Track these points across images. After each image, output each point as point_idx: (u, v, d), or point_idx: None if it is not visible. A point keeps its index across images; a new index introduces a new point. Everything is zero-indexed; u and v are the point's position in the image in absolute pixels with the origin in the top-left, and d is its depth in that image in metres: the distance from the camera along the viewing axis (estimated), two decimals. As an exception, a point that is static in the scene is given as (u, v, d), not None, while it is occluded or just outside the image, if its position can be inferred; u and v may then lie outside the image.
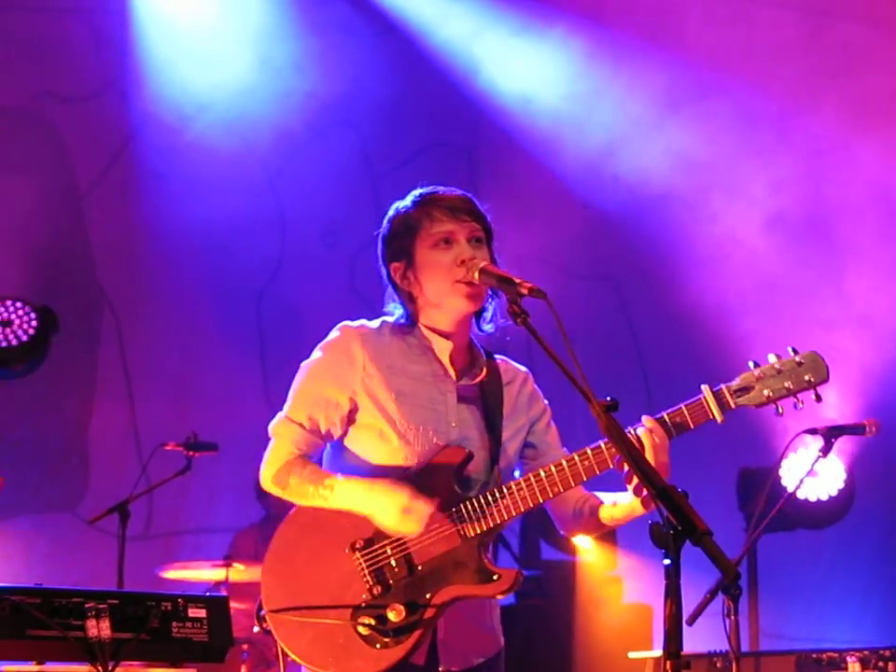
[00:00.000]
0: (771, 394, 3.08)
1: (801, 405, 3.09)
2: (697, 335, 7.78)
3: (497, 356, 3.44)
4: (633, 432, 3.09)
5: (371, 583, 3.18)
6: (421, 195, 3.32)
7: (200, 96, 8.19)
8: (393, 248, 3.32)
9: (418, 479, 3.19)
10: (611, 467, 3.11)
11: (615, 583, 8.01)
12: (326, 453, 3.38)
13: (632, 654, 5.59)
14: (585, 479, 3.15)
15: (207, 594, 3.77)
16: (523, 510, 3.16)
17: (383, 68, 8.38)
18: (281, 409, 3.33)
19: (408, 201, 3.33)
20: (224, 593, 6.13)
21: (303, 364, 3.34)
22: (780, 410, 3.10)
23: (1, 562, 7.55)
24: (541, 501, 3.17)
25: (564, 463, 3.14)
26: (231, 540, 7.62)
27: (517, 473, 3.33)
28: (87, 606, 3.32)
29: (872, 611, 7.43)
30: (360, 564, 3.20)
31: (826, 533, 7.72)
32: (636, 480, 3.09)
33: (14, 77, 7.93)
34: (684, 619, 2.42)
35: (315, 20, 8.31)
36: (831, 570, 7.72)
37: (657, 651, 5.25)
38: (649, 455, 3.04)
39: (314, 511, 3.25)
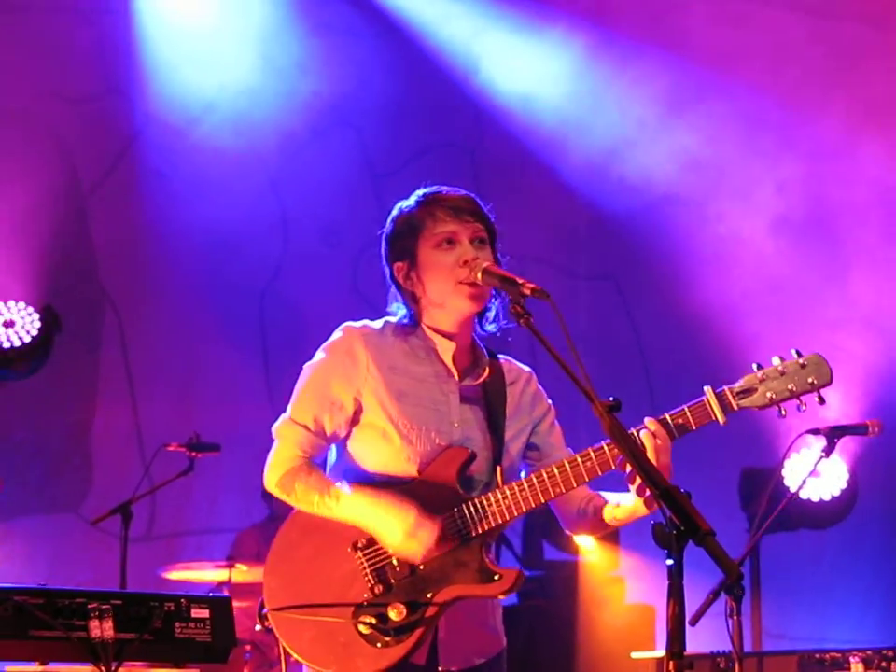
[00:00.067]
0: (774, 396, 3.06)
1: (804, 407, 3.07)
2: (701, 336, 7.77)
3: (500, 356, 3.42)
4: (635, 434, 3.09)
5: (372, 582, 3.18)
6: (424, 195, 3.31)
7: (202, 97, 8.20)
8: (396, 248, 3.31)
9: (421, 482, 3.19)
10: (614, 467, 3.10)
11: (618, 584, 8.01)
12: (328, 452, 3.38)
13: (634, 655, 5.60)
14: (587, 479, 3.14)
15: (210, 594, 3.76)
16: (525, 510, 3.16)
17: (385, 69, 8.39)
18: (284, 410, 3.32)
19: (411, 200, 3.32)
20: (227, 593, 6.13)
21: (307, 365, 3.33)
22: (783, 412, 3.09)
23: (4, 562, 7.55)
24: (543, 502, 3.16)
25: (566, 463, 3.14)
26: (233, 541, 7.63)
27: (522, 474, 3.32)
28: (90, 606, 3.31)
29: (874, 611, 7.43)
30: (362, 563, 3.20)
31: (829, 533, 7.72)
32: (638, 480, 3.09)
33: (19, 78, 7.92)
34: (687, 619, 2.42)
35: (317, 21, 8.32)
36: (833, 570, 7.72)
37: (660, 652, 5.25)
38: (651, 456, 3.03)
39: (316, 511, 3.26)
